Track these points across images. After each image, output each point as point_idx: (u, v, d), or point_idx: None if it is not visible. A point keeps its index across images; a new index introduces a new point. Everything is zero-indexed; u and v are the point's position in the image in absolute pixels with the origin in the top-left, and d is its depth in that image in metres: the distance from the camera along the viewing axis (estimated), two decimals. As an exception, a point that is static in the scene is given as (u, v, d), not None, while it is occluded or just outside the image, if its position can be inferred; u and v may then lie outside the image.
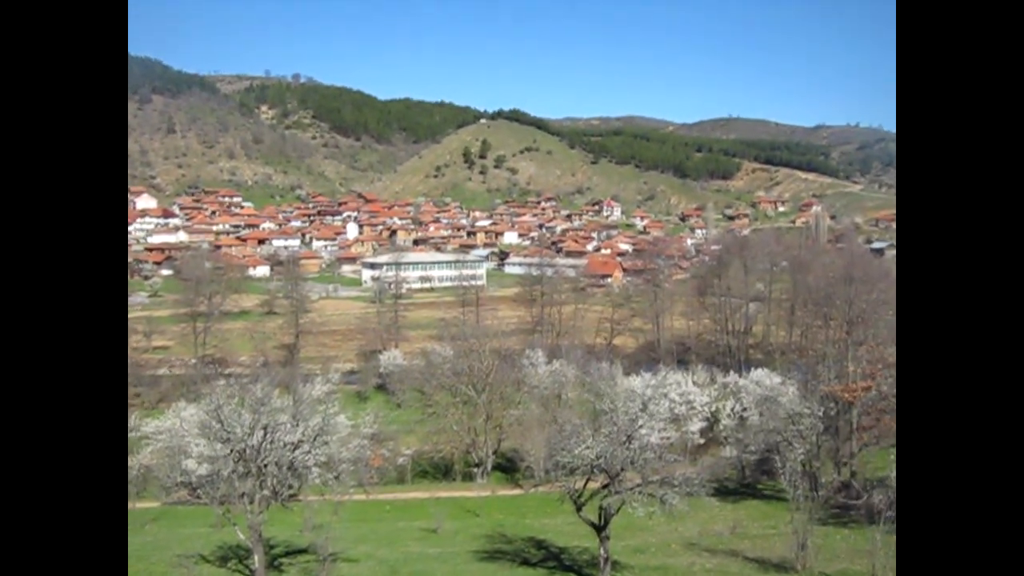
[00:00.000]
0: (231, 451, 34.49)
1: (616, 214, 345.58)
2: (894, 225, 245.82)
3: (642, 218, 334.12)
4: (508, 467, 70.95)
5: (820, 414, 55.44)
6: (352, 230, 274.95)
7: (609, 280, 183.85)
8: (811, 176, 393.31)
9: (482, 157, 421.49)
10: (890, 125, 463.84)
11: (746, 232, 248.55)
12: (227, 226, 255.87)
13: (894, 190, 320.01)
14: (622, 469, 34.65)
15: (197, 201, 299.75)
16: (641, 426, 35.44)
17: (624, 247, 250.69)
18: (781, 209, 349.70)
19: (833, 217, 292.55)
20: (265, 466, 34.61)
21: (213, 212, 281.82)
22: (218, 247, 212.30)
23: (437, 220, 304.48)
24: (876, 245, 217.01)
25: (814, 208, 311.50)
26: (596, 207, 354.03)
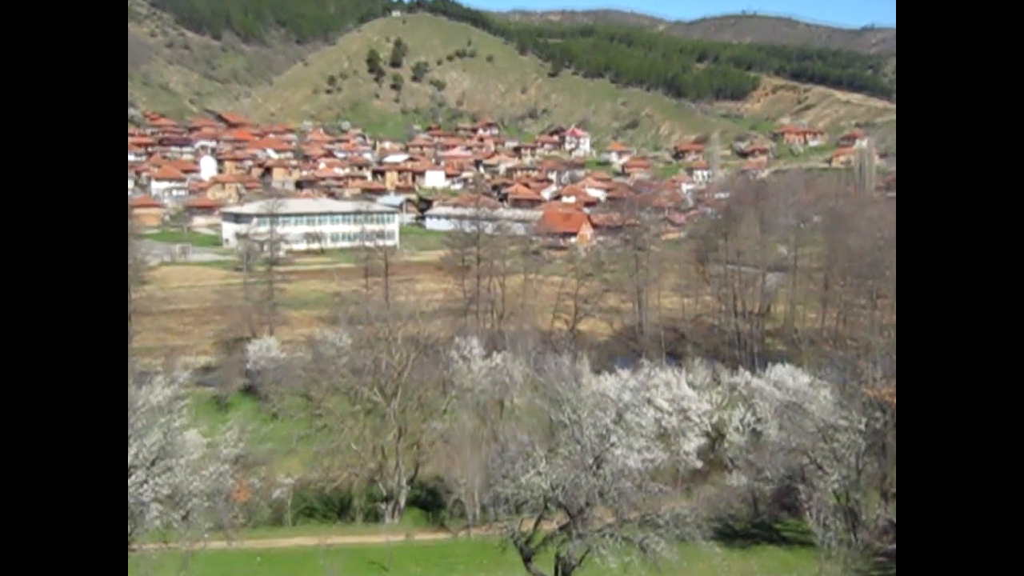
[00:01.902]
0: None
1: (584, 148, 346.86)
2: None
3: (620, 153, 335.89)
4: (429, 502, 71.06)
5: (863, 427, 56.36)
6: (208, 167, 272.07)
7: (573, 240, 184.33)
8: (855, 98, 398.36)
9: (395, 65, 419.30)
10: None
11: (765, 174, 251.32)
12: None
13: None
14: (588, 504, 34.94)
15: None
16: (615, 444, 35.76)
17: (595, 194, 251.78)
18: (813, 143, 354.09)
19: (884, 155, 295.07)
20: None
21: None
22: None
23: (330, 154, 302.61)
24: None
25: (859, 142, 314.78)
26: (556, 138, 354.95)
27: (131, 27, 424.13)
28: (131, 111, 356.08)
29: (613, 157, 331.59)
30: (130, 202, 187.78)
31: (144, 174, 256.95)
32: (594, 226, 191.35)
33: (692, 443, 71.39)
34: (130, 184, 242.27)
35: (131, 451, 36.49)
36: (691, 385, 77.79)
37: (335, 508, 71.98)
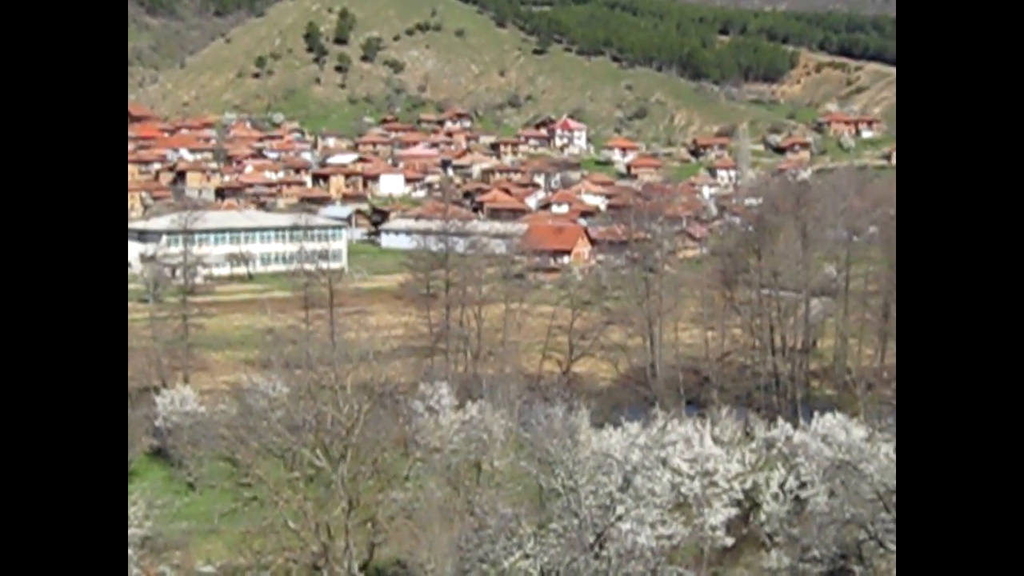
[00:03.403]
0: None
1: (579, 143, 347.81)
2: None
3: (624, 150, 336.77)
4: (388, 593, 70.90)
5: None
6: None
7: (567, 260, 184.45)
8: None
9: (340, 42, 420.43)
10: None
11: (806, 174, 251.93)
12: None
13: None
14: (589, 593, 34.94)
15: None
16: (621, 517, 35.81)
17: (593, 201, 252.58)
18: (867, 135, 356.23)
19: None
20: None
21: None
22: None
23: (259, 154, 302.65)
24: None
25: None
26: (543, 131, 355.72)
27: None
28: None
29: (615, 155, 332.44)
30: None
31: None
32: (592, 242, 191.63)
33: (719, 514, 71.33)
34: None
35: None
36: (717, 441, 77.81)
37: (269, 602, 71.68)
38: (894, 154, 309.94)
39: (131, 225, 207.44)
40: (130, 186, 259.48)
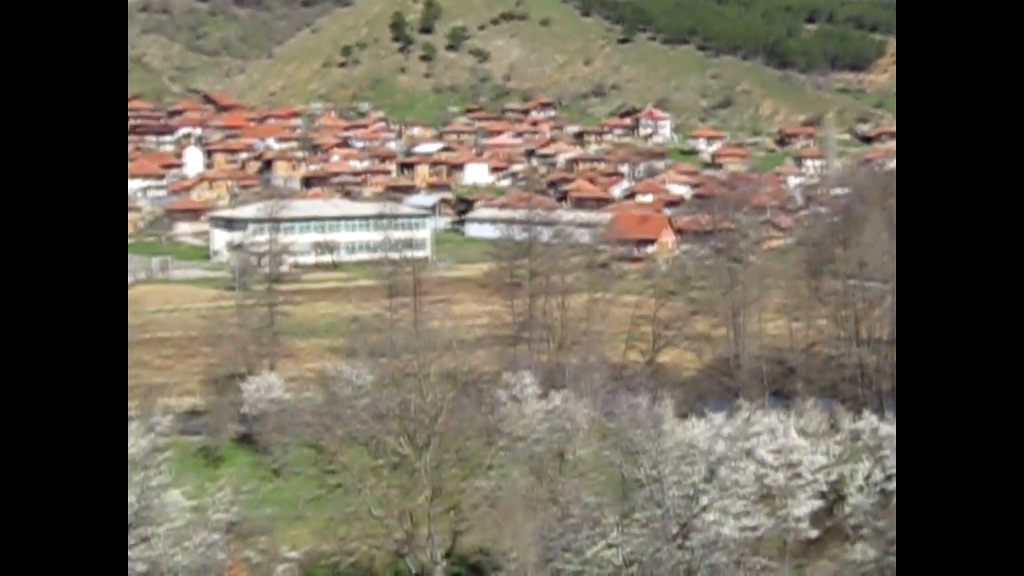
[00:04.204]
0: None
1: (664, 133, 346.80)
2: None
3: (709, 139, 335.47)
4: (472, 581, 71.02)
5: None
6: (193, 160, 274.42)
7: (651, 250, 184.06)
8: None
9: (426, 31, 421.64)
10: None
11: (894, 164, 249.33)
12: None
13: None
14: (673, 584, 34.81)
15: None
16: (706, 508, 35.63)
17: (678, 191, 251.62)
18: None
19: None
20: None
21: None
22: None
23: (345, 143, 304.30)
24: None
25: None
26: (628, 120, 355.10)
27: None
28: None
29: (701, 144, 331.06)
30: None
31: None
32: (677, 231, 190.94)
33: (804, 506, 70.86)
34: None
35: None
36: (802, 433, 77.34)
37: (353, 589, 72.05)
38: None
39: (218, 213, 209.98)
40: (217, 175, 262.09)
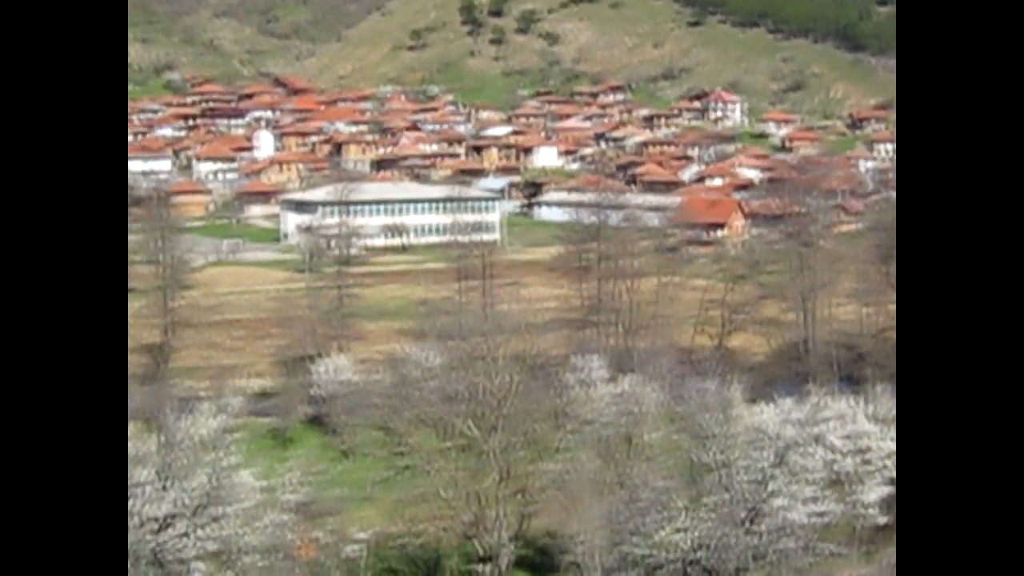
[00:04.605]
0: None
1: (734, 116, 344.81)
2: None
3: (781, 123, 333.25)
4: (539, 564, 71.12)
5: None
6: (264, 144, 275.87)
7: (721, 234, 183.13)
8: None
9: (496, 14, 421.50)
10: None
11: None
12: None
13: None
14: (740, 569, 34.75)
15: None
16: (774, 493, 35.51)
17: (748, 175, 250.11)
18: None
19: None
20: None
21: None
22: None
23: (415, 127, 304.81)
24: None
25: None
26: (698, 104, 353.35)
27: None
28: (170, 75, 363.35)
29: (771, 128, 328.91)
30: (169, 187, 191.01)
31: (186, 153, 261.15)
32: (747, 215, 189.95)
33: (874, 492, 70.47)
34: (168, 166, 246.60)
35: (169, 497, 37.16)
36: (872, 418, 76.86)
37: (421, 571, 72.44)
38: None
39: (289, 196, 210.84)
40: (288, 158, 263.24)
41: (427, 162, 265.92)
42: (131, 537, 35.50)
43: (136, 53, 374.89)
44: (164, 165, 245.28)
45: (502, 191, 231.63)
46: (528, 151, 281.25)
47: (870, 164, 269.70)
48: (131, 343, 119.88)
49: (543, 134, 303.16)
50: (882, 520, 71.01)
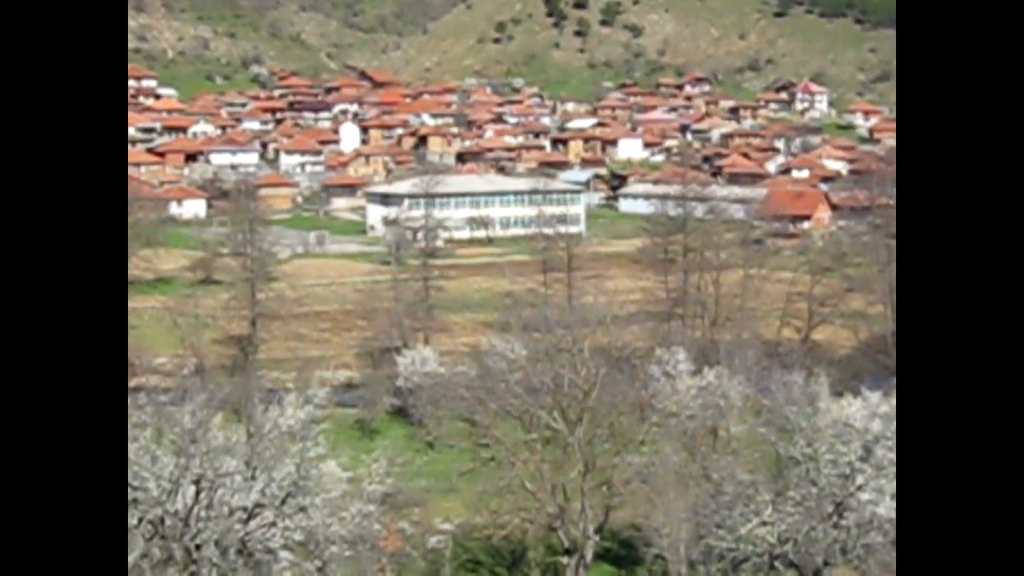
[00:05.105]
0: (140, 521, 35.14)
1: (820, 107, 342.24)
2: None
3: (867, 114, 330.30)
4: (623, 557, 71.01)
5: None
6: (349, 136, 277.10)
7: (807, 226, 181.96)
8: None
9: (579, 6, 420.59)
10: None
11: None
12: (133, 128, 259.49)
13: None
14: (827, 563, 34.52)
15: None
16: (861, 487, 35.21)
17: (834, 166, 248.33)
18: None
19: None
20: (198, 547, 35.22)
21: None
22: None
23: (499, 119, 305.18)
24: None
25: None
26: (784, 95, 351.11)
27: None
28: (257, 69, 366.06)
29: (858, 119, 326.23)
30: (255, 180, 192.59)
31: (272, 146, 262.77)
32: (834, 207, 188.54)
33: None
34: (255, 158, 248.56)
35: (257, 487, 37.41)
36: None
37: (505, 562, 72.52)
38: None
39: (374, 189, 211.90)
40: (373, 151, 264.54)
41: (511, 154, 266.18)
42: (219, 527, 35.70)
43: (223, 47, 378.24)
44: (251, 158, 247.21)
45: (586, 183, 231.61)
46: (612, 143, 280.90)
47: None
48: (219, 335, 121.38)
49: (627, 126, 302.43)
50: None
